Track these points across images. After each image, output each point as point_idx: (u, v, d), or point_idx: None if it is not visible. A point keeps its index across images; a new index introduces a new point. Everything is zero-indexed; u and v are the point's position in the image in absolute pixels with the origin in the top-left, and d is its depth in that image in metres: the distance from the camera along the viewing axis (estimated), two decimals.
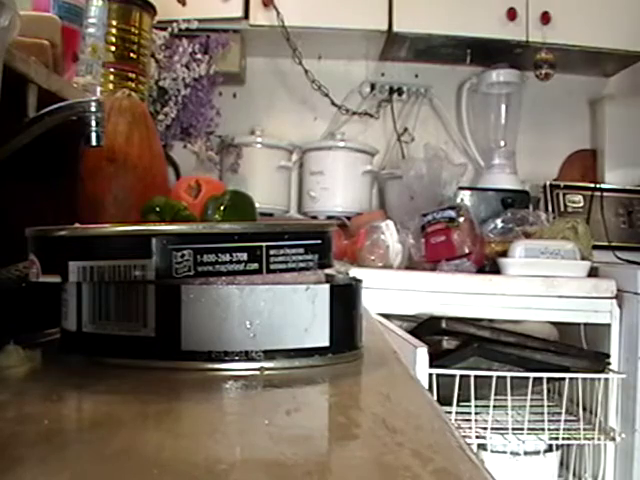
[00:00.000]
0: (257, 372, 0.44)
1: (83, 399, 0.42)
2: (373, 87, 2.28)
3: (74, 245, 0.47)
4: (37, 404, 0.38)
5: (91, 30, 0.99)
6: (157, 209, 0.71)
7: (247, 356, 0.45)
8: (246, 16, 1.95)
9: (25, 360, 0.45)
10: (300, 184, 2.21)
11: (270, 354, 0.45)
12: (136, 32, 1.39)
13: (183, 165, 2.05)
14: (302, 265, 0.48)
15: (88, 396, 0.41)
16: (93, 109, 0.65)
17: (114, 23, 1.34)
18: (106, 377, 0.44)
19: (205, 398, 0.41)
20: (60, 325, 0.50)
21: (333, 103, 2.18)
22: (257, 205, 0.82)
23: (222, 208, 0.74)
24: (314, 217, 2.13)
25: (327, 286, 0.48)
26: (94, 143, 0.64)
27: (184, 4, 1.84)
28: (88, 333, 0.47)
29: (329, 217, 2.06)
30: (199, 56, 1.90)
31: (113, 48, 1.34)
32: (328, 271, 0.53)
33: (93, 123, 0.64)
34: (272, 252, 0.46)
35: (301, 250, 0.48)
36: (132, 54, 1.38)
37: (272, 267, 0.46)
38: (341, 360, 0.48)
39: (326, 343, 0.47)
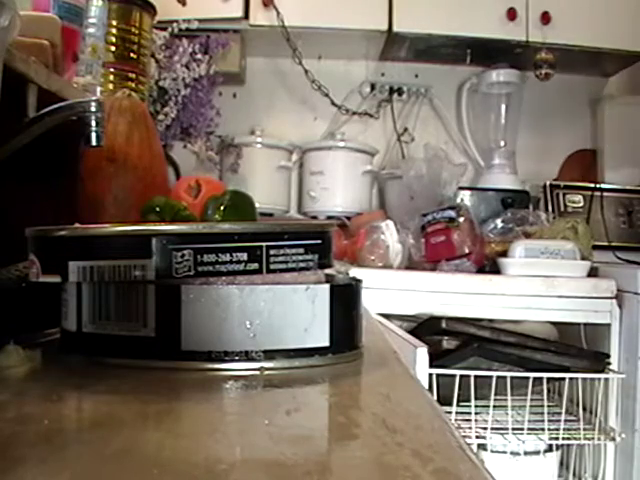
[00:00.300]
0: (257, 372, 0.44)
1: (83, 399, 0.42)
2: (373, 87, 2.28)
3: (74, 245, 0.47)
4: (37, 404, 0.38)
5: (91, 30, 0.99)
6: (157, 209, 0.71)
7: (247, 356, 0.45)
8: (246, 16, 1.95)
9: (25, 360, 0.45)
10: (300, 184, 2.21)
11: (270, 354, 0.45)
12: (136, 32, 1.39)
13: (183, 165, 2.05)
14: (302, 265, 0.48)
15: (88, 396, 0.41)
16: (93, 109, 0.65)
17: (114, 23, 1.34)
18: (106, 377, 0.44)
19: (205, 398, 0.41)
20: (60, 325, 0.50)
21: (333, 103, 2.18)
22: (257, 205, 0.82)
23: (222, 208, 0.74)
24: (314, 217, 2.13)
25: (327, 286, 0.48)
26: (94, 143, 0.64)
27: (184, 4, 1.84)
28: (88, 333, 0.47)
29: (329, 217, 2.06)
30: (199, 56, 1.90)
31: (113, 48, 1.34)
32: (328, 271, 0.53)
33: (93, 123, 0.64)
34: (272, 252, 0.46)
35: (301, 250, 0.48)
36: (132, 54, 1.38)
37: (272, 267, 0.46)
38: (341, 360, 0.48)
39: (326, 343, 0.47)
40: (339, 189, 2.08)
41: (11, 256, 0.56)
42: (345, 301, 0.50)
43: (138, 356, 0.45)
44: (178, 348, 0.44)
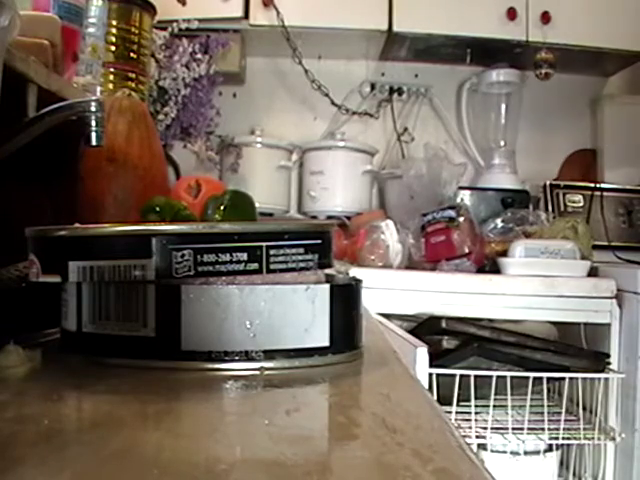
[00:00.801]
0: (257, 372, 0.44)
1: (83, 399, 0.42)
2: (373, 87, 2.28)
3: (74, 245, 0.47)
4: (37, 404, 0.38)
5: (91, 30, 0.99)
6: (157, 209, 0.71)
7: (247, 356, 0.45)
8: (246, 16, 1.95)
9: (25, 360, 0.45)
10: (300, 184, 2.21)
11: (270, 354, 0.45)
12: (136, 32, 1.39)
13: (183, 165, 2.05)
14: (302, 265, 0.48)
15: (88, 396, 0.41)
16: (93, 109, 0.65)
17: (114, 23, 1.34)
18: (106, 377, 0.44)
19: (205, 398, 0.41)
20: (60, 325, 0.50)
21: (333, 103, 2.18)
22: (257, 205, 0.82)
23: (222, 208, 0.74)
24: (314, 217, 2.13)
25: (327, 286, 0.48)
26: (94, 143, 0.64)
27: (184, 4, 1.84)
28: (88, 333, 0.47)
29: (329, 217, 2.06)
30: (199, 56, 1.90)
31: (113, 48, 1.34)
32: (328, 271, 0.53)
33: (93, 123, 0.64)
34: (272, 252, 0.46)
35: (301, 250, 0.48)
36: (132, 54, 1.38)
37: (272, 267, 0.46)
38: (341, 360, 0.48)
39: (326, 343, 0.47)
40: (339, 189, 2.08)
41: (11, 256, 0.56)
42: (345, 301, 0.50)
43: (138, 356, 0.45)
44: (178, 348, 0.44)
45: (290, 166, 2.16)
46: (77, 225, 0.56)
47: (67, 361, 0.48)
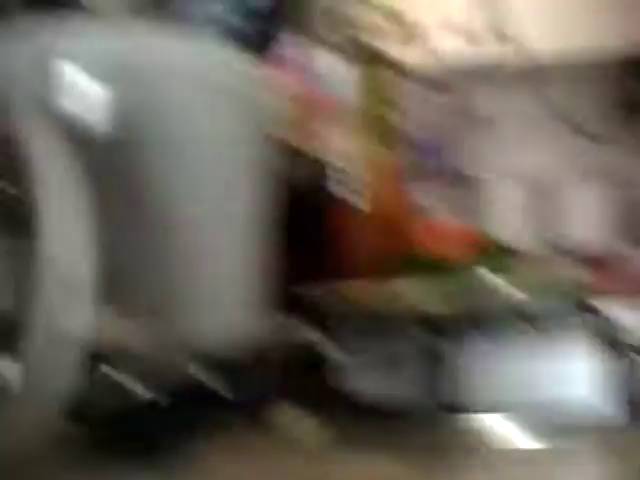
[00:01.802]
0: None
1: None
2: None
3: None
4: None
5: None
6: (414, 266, 0.71)
7: None
8: None
9: (317, 430, 0.45)
10: None
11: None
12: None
13: None
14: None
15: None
16: (347, 171, 0.67)
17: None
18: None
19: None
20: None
21: None
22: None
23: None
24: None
25: None
26: (356, 205, 0.65)
27: None
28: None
29: None
30: None
31: None
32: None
33: (351, 186, 0.66)
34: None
35: None
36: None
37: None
38: None
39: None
40: None
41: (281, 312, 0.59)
42: None
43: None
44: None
45: None
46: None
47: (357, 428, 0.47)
